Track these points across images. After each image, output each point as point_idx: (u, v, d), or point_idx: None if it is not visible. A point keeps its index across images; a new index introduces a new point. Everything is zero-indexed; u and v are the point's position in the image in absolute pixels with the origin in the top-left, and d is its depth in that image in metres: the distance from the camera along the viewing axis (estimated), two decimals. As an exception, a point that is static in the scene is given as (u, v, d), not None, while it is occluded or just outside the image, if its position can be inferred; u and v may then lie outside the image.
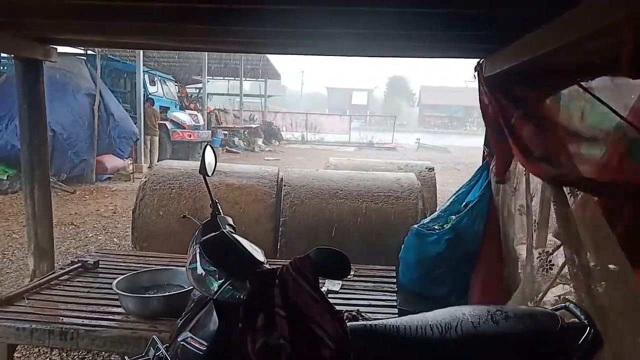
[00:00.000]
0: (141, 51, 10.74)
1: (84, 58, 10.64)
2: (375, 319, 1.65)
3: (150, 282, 2.59)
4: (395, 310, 2.52)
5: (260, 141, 19.98)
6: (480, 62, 2.98)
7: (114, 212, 7.01)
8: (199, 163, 1.89)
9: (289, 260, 1.42)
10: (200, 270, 1.48)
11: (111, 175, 9.74)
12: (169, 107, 13.72)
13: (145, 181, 3.95)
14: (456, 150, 22.68)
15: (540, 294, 2.72)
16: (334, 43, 3.09)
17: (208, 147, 1.88)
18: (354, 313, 1.78)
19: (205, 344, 1.41)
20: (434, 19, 2.18)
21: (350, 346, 1.38)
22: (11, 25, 2.70)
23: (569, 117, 2.20)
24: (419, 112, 58.87)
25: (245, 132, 19.93)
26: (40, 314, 2.37)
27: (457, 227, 3.09)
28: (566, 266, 2.15)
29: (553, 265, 2.32)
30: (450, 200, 3.42)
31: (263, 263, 1.50)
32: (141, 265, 3.08)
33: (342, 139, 26.21)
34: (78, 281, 2.85)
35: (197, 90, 18.78)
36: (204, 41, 3.20)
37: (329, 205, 3.79)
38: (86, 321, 2.31)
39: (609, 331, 1.64)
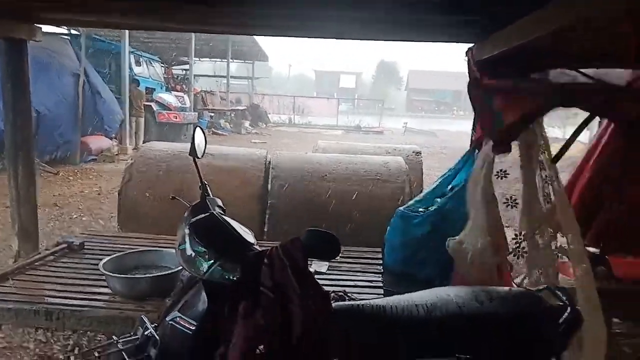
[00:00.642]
0: (127, 31, 10.51)
1: (68, 38, 10.40)
2: (361, 300, 1.68)
3: (137, 263, 2.59)
4: (381, 291, 2.57)
5: (247, 124, 19.84)
6: (472, 46, 2.98)
7: (99, 194, 6.93)
8: (185, 145, 1.88)
9: (278, 243, 1.43)
10: (189, 252, 1.49)
11: (95, 157, 9.61)
12: (154, 89, 13.51)
13: (132, 162, 3.91)
14: (444, 134, 22.79)
15: (522, 276, 2.78)
16: (324, 26, 3.07)
17: (198, 129, 1.87)
18: (340, 293, 1.82)
19: (195, 323, 1.42)
20: (425, 3, 2.17)
21: (330, 331, 1.39)
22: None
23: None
24: (407, 96, 58.90)
25: (232, 115, 19.75)
26: (25, 295, 2.37)
27: (442, 210, 3.12)
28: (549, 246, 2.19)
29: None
30: (436, 183, 3.45)
31: (253, 244, 1.51)
32: (127, 246, 3.07)
33: (330, 122, 26.14)
34: (63, 262, 2.84)
35: (184, 71, 18.49)
36: (196, 21, 3.15)
37: (317, 188, 3.80)
38: (72, 301, 2.32)
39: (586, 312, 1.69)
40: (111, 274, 2.37)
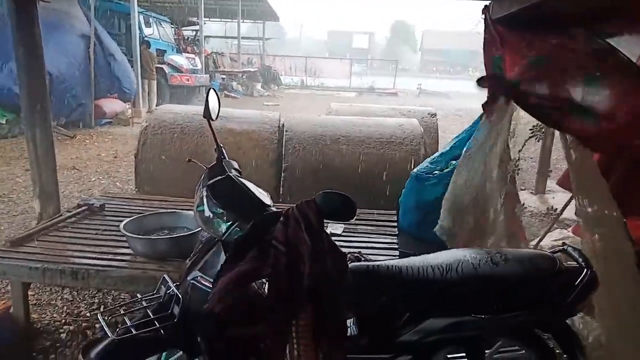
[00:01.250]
0: (134, -11, 10.33)
1: (77, -2, 10.25)
2: (377, 261, 1.70)
3: (156, 224, 2.64)
4: (396, 253, 2.60)
5: (259, 86, 19.66)
6: (488, 4, 2.89)
7: (115, 157, 7.02)
8: (198, 108, 1.88)
9: (294, 204, 1.44)
10: (208, 213, 1.51)
11: (110, 120, 9.67)
12: (165, 50, 13.36)
13: (147, 125, 3.93)
14: (458, 96, 22.37)
15: (538, 238, 2.78)
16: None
17: (211, 91, 1.86)
18: (356, 255, 1.84)
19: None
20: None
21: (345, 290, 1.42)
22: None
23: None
24: (421, 57, 57.58)
25: (244, 77, 19.55)
26: (50, 255, 2.44)
27: (457, 172, 3.11)
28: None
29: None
30: (451, 145, 3.42)
31: (269, 206, 1.52)
32: (146, 208, 3.13)
33: (343, 83, 25.76)
34: (85, 224, 2.91)
35: (194, 32, 18.21)
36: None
37: (331, 151, 3.80)
38: (96, 261, 2.38)
39: (604, 273, 1.70)
40: (132, 235, 2.43)
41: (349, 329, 1.56)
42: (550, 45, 2.05)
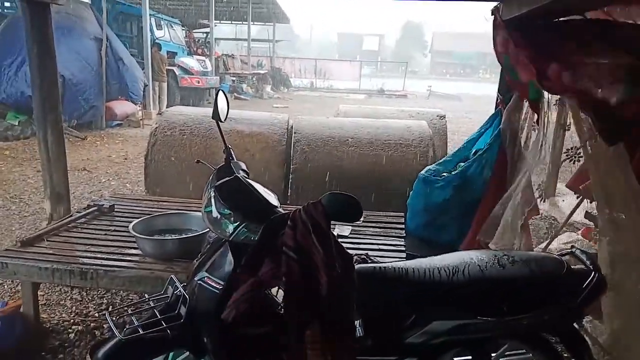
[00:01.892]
0: (146, -8, 10.43)
1: (89, 1, 10.37)
2: (384, 263, 1.70)
3: (165, 225, 2.66)
4: (404, 255, 2.59)
5: (268, 88, 19.73)
6: (498, 5, 2.87)
7: (125, 158, 7.08)
8: (208, 109, 1.88)
9: (301, 206, 1.45)
10: (215, 214, 1.52)
11: (121, 122, 9.75)
12: (176, 52, 13.49)
13: (157, 127, 3.96)
14: (468, 98, 22.27)
15: (547, 241, 2.75)
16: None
17: (220, 93, 1.87)
18: (363, 256, 1.84)
19: (221, 283, 1.47)
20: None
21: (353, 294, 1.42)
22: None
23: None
24: (431, 59, 57.38)
25: (254, 79, 19.63)
26: (60, 255, 2.47)
27: (465, 174, 3.10)
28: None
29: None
30: (460, 147, 3.41)
31: (277, 207, 1.53)
32: (155, 209, 3.16)
33: (352, 85, 25.76)
34: (95, 224, 2.94)
35: (205, 35, 18.35)
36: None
37: (340, 153, 3.80)
38: (105, 262, 2.41)
39: (614, 277, 1.68)
40: (141, 235, 2.45)
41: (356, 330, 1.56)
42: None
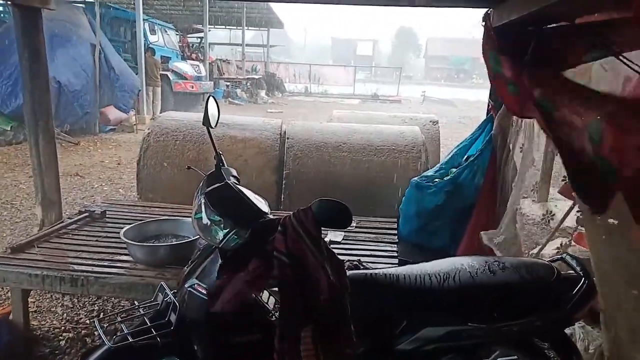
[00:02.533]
0: (140, -3, 10.42)
1: (82, 6, 10.35)
2: (375, 269, 1.70)
3: (156, 231, 2.65)
4: (396, 261, 2.59)
5: (262, 93, 19.72)
6: (489, 12, 2.90)
7: (119, 164, 7.05)
8: (201, 115, 1.88)
9: (292, 212, 1.45)
10: (205, 220, 1.51)
11: (114, 127, 9.72)
12: (170, 57, 13.47)
13: (149, 132, 3.95)
14: (462, 103, 22.37)
15: (539, 247, 2.76)
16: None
17: (211, 99, 1.87)
18: (355, 262, 1.84)
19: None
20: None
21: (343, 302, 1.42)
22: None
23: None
24: (425, 64, 57.68)
25: (248, 84, 19.64)
26: (50, 262, 2.45)
27: (457, 180, 3.11)
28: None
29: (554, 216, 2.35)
30: (452, 153, 3.42)
31: (267, 213, 1.53)
32: (147, 215, 3.14)
33: (346, 91, 25.81)
34: (86, 230, 2.92)
35: (199, 39, 18.35)
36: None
37: (332, 159, 3.80)
38: (96, 268, 2.39)
39: (604, 282, 1.69)
40: (132, 242, 2.43)
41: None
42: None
